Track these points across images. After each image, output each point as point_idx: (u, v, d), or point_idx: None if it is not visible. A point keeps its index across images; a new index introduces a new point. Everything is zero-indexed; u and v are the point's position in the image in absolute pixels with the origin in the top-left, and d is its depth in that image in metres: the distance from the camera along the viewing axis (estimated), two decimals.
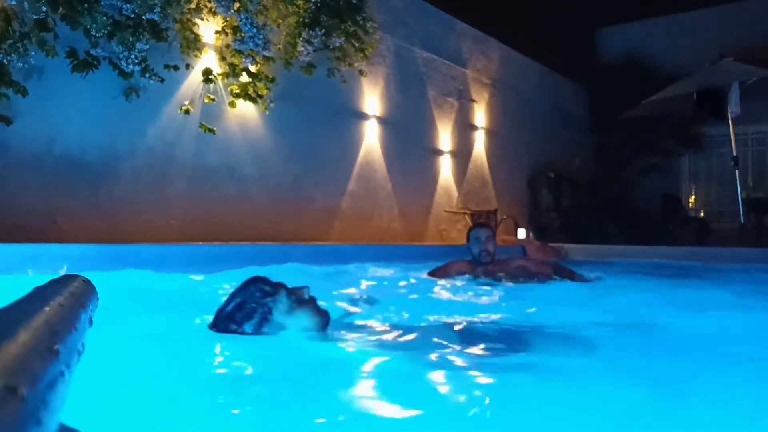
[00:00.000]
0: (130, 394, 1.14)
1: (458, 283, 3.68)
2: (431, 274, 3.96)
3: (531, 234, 8.08)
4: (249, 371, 1.43)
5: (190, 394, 1.18)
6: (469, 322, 2.24)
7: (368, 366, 1.46)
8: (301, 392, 1.23)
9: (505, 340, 1.95)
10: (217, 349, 1.60)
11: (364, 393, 1.28)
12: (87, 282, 0.96)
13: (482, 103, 9.11)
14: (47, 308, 0.59)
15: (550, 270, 3.89)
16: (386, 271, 4.32)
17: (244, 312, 1.67)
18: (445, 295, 3.27)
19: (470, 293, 3.27)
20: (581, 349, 1.77)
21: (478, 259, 3.83)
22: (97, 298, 1.04)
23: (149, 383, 1.23)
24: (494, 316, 2.41)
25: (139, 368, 1.34)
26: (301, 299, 1.76)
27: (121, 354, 1.43)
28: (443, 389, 1.31)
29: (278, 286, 1.75)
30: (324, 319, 1.79)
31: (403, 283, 3.76)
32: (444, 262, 4.06)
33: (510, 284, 3.61)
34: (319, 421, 1.06)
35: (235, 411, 1.12)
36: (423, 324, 2.21)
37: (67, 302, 0.67)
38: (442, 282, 3.71)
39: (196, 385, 1.27)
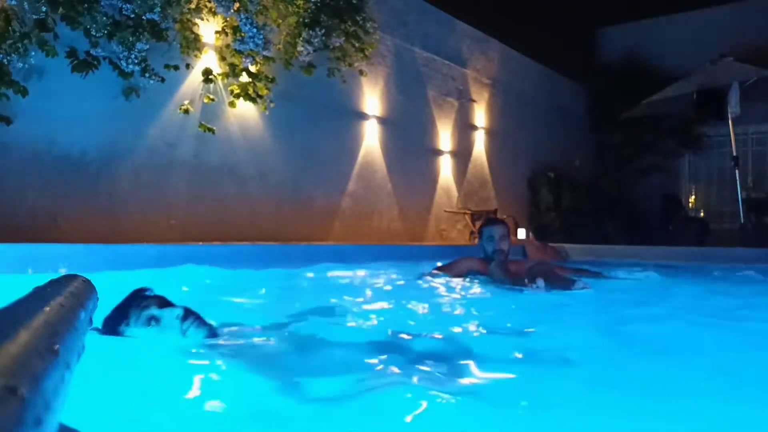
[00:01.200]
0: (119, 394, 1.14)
1: (462, 282, 3.53)
2: (438, 270, 3.82)
3: (531, 234, 8.08)
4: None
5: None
6: (427, 331, 1.94)
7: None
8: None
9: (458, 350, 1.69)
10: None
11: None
12: (87, 282, 0.96)
13: (482, 103, 9.11)
14: (47, 308, 0.59)
15: (572, 272, 3.66)
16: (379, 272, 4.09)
17: (108, 326, 1.60)
18: (444, 297, 3.23)
19: (471, 294, 3.23)
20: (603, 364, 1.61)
21: (491, 258, 3.65)
22: (97, 298, 1.03)
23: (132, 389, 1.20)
24: (491, 320, 2.34)
25: (128, 370, 1.33)
26: (160, 320, 1.60)
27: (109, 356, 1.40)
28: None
29: (144, 304, 1.61)
30: (206, 334, 1.62)
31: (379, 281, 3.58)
32: (446, 262, 3.92)
33: (529, 288, 3.27)
34: None
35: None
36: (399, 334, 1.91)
37: (67, 302, 0.67)
38: (441, 281, 3.58)
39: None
